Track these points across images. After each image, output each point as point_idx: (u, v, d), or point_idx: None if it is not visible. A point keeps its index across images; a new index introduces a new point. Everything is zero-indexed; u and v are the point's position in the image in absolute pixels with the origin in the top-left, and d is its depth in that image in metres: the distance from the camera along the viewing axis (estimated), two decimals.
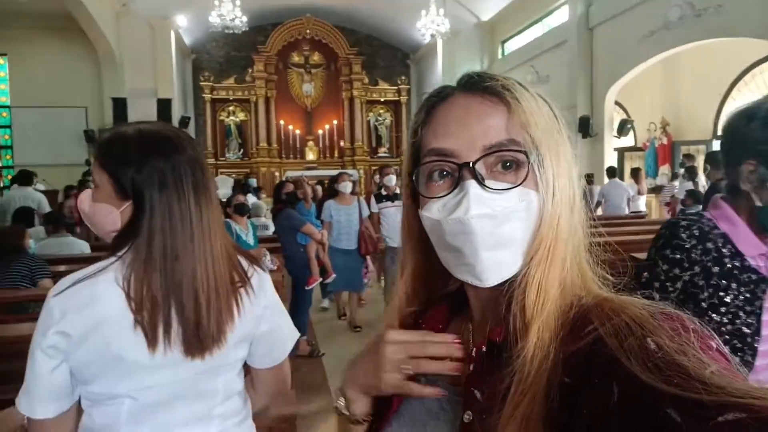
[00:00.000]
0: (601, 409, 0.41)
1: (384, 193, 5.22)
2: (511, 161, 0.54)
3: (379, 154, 15.28)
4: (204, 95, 13.92)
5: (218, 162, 14.08)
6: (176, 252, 0.91)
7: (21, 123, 12.49)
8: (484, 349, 0.55)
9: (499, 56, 13.04)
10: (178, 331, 0.91)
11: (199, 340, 0.92)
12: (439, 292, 0.67)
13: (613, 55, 8.80)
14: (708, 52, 7.52)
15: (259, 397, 1.12)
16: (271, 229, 5.86)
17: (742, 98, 8.08)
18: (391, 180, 5.14)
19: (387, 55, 15.84)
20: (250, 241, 3.99)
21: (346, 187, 4.93)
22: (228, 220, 3.93)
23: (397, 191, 5.02)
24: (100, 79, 11.73)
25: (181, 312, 0.91)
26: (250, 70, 14.24)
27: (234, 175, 13.03)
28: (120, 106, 11.07)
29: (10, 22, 11.45)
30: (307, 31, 14.43)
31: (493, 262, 0.53)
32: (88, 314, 0.87)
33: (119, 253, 0.92)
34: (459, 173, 0.54)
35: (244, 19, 9.92)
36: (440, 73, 13.43)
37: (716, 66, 7.94)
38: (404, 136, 15.35)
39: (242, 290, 1.01)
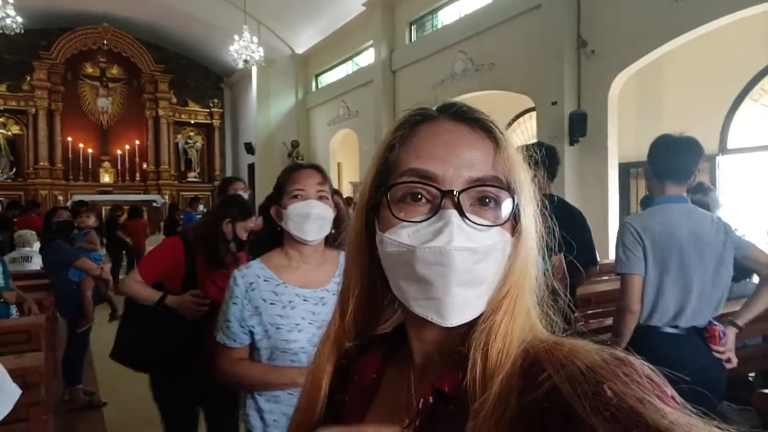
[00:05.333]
0: None
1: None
2: (492, 199, 0.51)
3: (189, 179, 14.40)
4: None
5: None
6: None
7: None
8: (431, 399, 0.50)
9: (314, 89, 13.44)
10: None
11: None
12: (377, 327, 0.61)
13: (412, 97, 9.72)
14: (485, 102, 8.79)
15: None
16: (36, 261, 5.02)
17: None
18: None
19: (198, 76, 15.13)
20: (0, 281, 3.32)
21: None
22: None
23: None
24: None
25: None
26: (28, 78, 12.27)
27: (2, 199, 10.96)
28: None
29: None
30: (104, 41, 13.05)
31: (461, 301, 0.49)
32: None
33: None
34: (440, 200, 0.50)
35: (19, 19, 8.55)
36: (255, 100, 13.28)
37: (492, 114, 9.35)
38: (217, 160, 14.82)
39: None
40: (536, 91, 7.05)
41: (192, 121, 14.51)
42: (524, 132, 9.35)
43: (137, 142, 13.67)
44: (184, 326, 2.14)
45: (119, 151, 13.49)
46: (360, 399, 0.59)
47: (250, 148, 13.41)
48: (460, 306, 0.49)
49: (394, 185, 0.52)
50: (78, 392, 3.97)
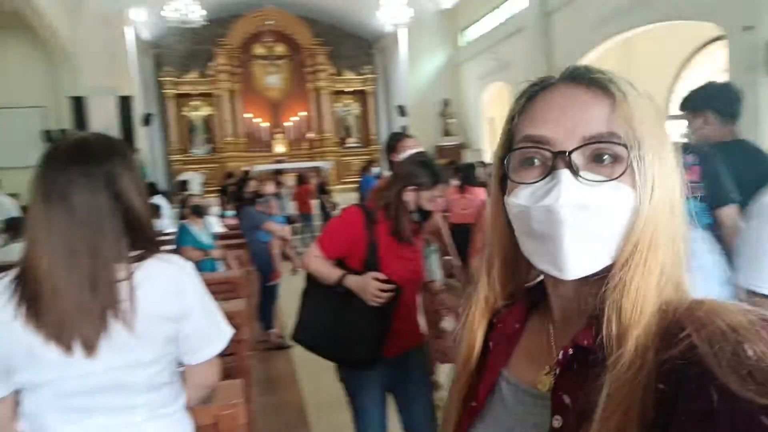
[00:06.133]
0: (698, 417, 0.40)
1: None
2: (609, 155, 0.52)
3: (348, 145, 15.31)
4: (166, 91, 13.69)
5: (185, 158, 13.94)
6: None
7: None
8: (570, 351, 0.53)
9: (462, 43, 13.14)
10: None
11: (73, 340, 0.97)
12: (522, 285, 0.65)
13: (569, 41, 8.99)
14: (657, 36, 7.77)
15: (189, 390, 1.20)
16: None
17: (691, 79, 8.39)
18: None
19: (350, 44, 15.77)
20: (206, 241, 4.03)
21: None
22: (183, 221, 3.97)
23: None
24: (56, 77, 11.36)
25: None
26: (212, 64, 14.05)
27: (201, 171, 12.93)
28: (78, 105, 10.79)
29: None
30: (272, 22, 14.29)
31: (576, 254, 0.51)
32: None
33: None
34: (553, 162, 0.53)
35: (202, 12, 9.80)
36: (405, 62, 13.47)
37: (665, 49, 8.21)
38: (372, 125, 15.50)
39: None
40: (724, 16, 6.01)
41: (348, 90, 15.29)
42: (708, 66, 8.09)
43: (303, 113, 14.88)
44: (367, 313, 1.83)
45: (288, 123, 14.85)
46: (504, 346, 0.64)
47: (402, 111, 13.74)
48: (576, 260, 0.51)
49: (511, 151, 0.57)
50: (271, 335, 4.67)
